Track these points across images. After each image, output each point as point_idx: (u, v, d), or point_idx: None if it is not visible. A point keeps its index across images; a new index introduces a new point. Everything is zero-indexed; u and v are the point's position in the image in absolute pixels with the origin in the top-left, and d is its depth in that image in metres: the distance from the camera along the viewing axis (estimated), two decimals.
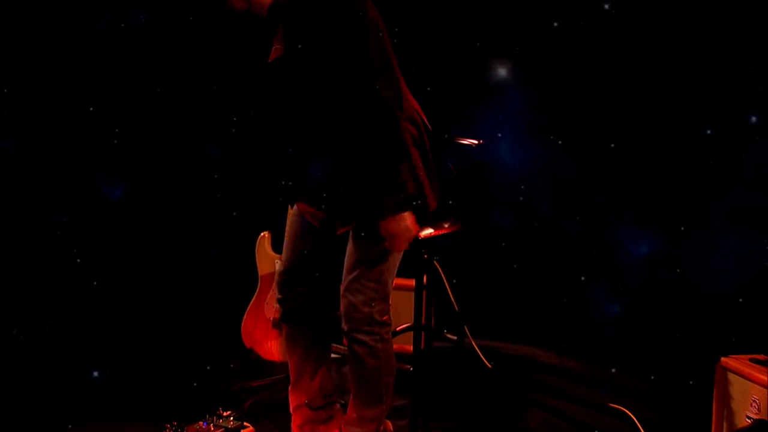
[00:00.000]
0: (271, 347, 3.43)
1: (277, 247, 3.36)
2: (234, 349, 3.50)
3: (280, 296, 2.59)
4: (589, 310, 3.74)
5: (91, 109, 3.88)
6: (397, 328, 3.07)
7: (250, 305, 3.44)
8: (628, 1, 3.69)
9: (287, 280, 2.57)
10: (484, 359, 3.51)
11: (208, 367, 3.39)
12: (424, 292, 2.85)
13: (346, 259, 2.45)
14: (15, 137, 3.72)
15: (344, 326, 2.41)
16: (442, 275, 3.43)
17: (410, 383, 3.06)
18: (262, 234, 3.43)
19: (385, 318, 2.42)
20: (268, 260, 3.38)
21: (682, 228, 3.66)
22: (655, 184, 3.76)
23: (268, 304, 3.41)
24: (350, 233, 2.45)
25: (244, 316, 3.45)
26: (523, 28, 3.86)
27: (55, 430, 2.83)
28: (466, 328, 3.51)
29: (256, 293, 3.44)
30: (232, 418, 2.67)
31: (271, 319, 3.40)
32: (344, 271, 2.43)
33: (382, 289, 2.39)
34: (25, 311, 3.63)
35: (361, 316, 2.36)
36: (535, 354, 3.73)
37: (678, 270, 3.62)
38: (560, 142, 3.89)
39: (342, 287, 2.41)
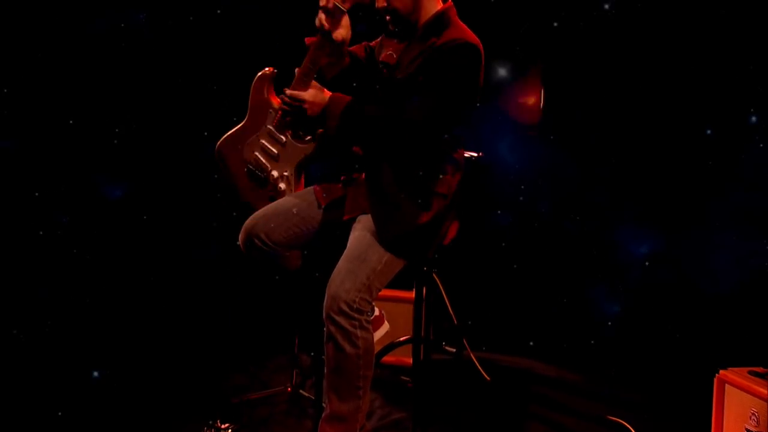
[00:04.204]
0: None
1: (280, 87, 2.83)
2: (233, 360, 3.49)
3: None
4: (589, 309, 3.75)
5: (91, 110, 3.88)
6: (396, 341, 3.06)
7: (230, 133, 2.94)
8: (628, 1, 3.69)
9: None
10: (482, 372, 3.50)
11: (207, 380, 3.37)
12: (423, 305, 2.85)
13: (345, 252, 2.46)
14: (15, 137, 3.72)
15: (324, 310, 2.39)
16: (441, 288, 3.42)
17: (409, 396, 3.06)
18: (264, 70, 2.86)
19: (366, 309, 2.41)
20: (264, 98, 2.86)
21: (682, 228, 3.66)
22: (655, 184, 3.77)
23: (248, 145, 2.92)
24: (353, 225, 2.51)
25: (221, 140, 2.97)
26: (523, 28, 3.86)
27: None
28: (464, 340, 3.50)
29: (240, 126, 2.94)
30: (230, 431, 2.67)
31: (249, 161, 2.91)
32: (339, 261, 2.44)
33: (370, 284, 2.40)
34: (25, 311, 3.63)
35: (342, 299, 2.35)
36: (533, 366, 3.72)
37: (678, 270, 3.63)
38: (560, 142, 3.90)
39: (333, 273, 2.41)
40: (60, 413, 2.89)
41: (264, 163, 2.78)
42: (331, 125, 2.47)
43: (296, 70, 2.57)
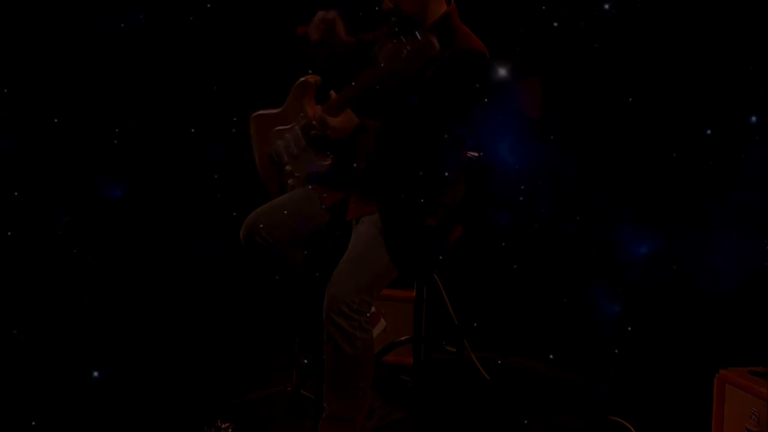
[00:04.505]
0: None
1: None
2: (234, 360, 3.48)
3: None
4: (589, 309, 3.74)
5: (91, 110, 3.88)
6: (396, 341, 3.06)
7: (266, 111, 2.99)
8: (628, 1, 3.69)
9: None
10: (483, 371, 3.50)
11: (207, 380, 3.36)
12: (424, 305, 2.85)
13: (346, 252, 2.48)
14: (15, 137, 3.72)
15: (324, 311, 2.40)
16: (441, 288, 3.42)
17: (409, 396, 3.06)
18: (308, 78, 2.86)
19: (366, 310, 2.42)
20: (300, 103, 2.89)
21: (682, 228, 3.66)
22: (655, 184, 3.76)
23: (276, 132, 2.97)
24: (356, 226, 2.53)
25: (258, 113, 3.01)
26: (523, 28, 3.86)
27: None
28: (465, 340, 3.50)
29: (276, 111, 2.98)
30: (230, 431, 2.68)
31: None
32: (340, 262, 2.45)
33: (371, 285, 2.42)
34: (25, 311, 3.63)
35: (342, 299, 2.36)
36: (534, 366, 3.72)
37: (678, 270, 3.62)
38: (560, 142, 3.89)
39: (333, 274, 2.43)
40: (58, 415, 2.89)
41: (283, 155, 2.84)
42: (360, 153, 2.54)
43: (332, 93, 2.64)
